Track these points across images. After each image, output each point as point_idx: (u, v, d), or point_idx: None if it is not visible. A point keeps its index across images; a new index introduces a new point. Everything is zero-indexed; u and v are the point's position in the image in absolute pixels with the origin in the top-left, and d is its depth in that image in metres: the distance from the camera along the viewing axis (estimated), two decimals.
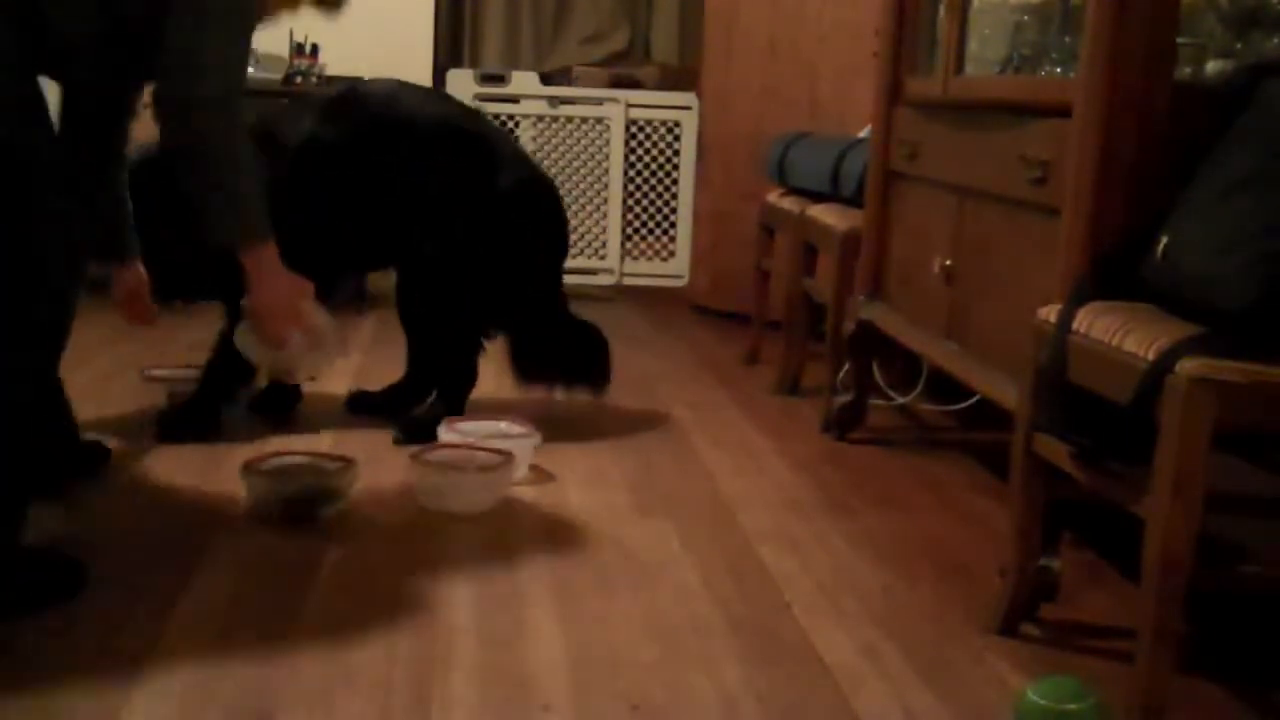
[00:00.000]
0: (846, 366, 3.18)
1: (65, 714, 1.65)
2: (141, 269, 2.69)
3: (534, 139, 5.04)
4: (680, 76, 5.33)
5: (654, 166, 5.13)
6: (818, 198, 3.54)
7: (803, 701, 1.79)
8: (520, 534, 2.41)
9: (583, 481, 2.73)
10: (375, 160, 2.87)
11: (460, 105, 3.10)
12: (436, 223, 2.89)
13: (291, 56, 4.85)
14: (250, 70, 5.16)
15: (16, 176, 1.93)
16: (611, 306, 4.91)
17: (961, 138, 2.55)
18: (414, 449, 2.59)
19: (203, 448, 2.78)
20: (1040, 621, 2.07)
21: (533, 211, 3.01)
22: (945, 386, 3.29)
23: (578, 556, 2.30)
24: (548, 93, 5.07)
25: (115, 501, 2.45)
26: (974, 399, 3.16)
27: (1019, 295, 2.22)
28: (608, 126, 5.07)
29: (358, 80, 3.10)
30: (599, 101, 5.08)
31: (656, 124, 5.11)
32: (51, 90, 2.12)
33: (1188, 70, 2.13)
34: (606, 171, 5.10)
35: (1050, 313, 1.94)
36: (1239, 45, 2.18)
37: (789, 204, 3.67)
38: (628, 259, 5.17)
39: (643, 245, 5.20)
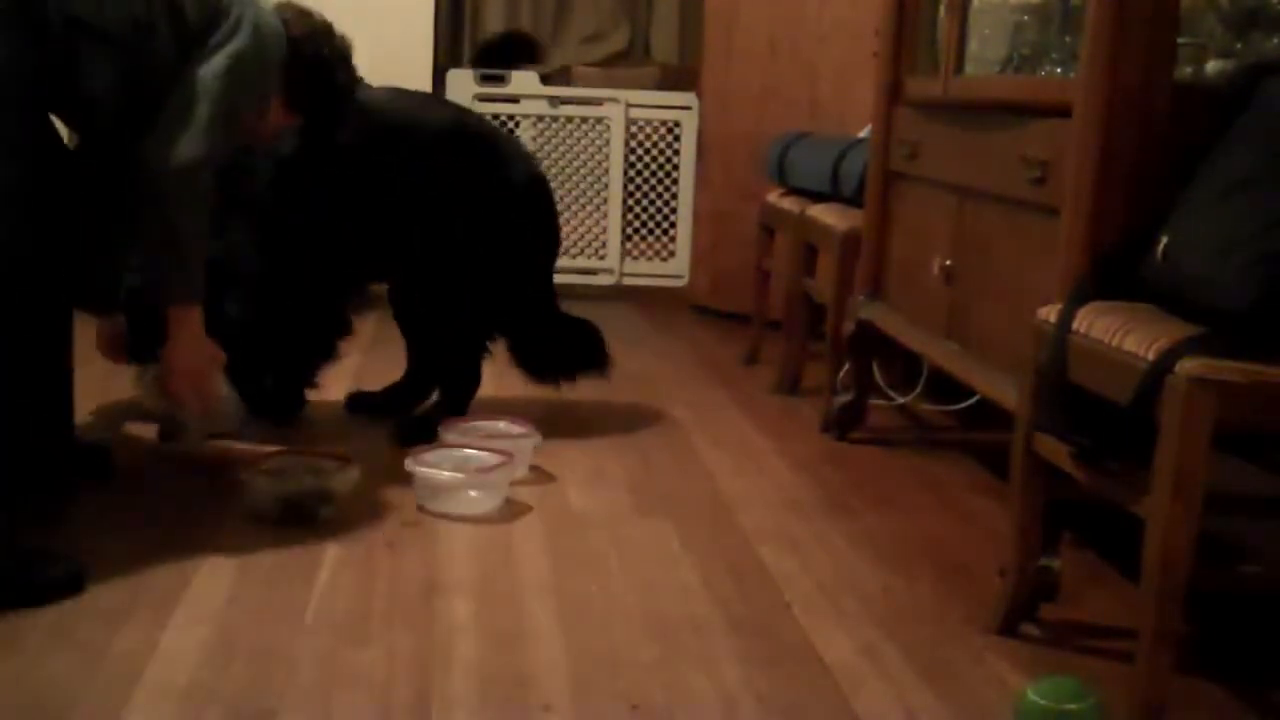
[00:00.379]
0: (846, 366, 3.18)
1: (65, 714, 1.65)
2: (122, 320, 2.77)
3: (534, 139, 5.03)
4: (680, 76, 5.32)
5: (654, 166, 5.13)
6: (818, 198, 3.54)
7: (803, 701, 1.79)
8: (520, 534, 2.41)
9: (583, 481, 2.73)
10: (379, 167, 2.87)
11: (458, 107, 3.10)
12: (441, 225, 2.89)
13: None
14: None
15: None
16: (611, 306, 4.90)
17: (961, 138, 2.55)
18: (414, 449, 2.59)
19: (202, 447, 2.77)
20: (1040, 621, 2.07)
21: (535, 209, 3.02)
22: (945, 386, 3.29)
23: (578, 556, 2.30)
24: (548, 93, 5.07)
25: (115, 501, 2.45)
26: (974, 399, 3.16)
27: (1019, 295, 2.22)
28: (608, 126, 5.07)
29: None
30: (599, 101, 5.08)
31: (656, 124, 5.11)
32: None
33: (1188, 70, 2.13)
34: (606, 171, 5.10)
35: (1050, 313, 1.94)
36: (1239, 45, 2.18)
37: (789, 204, 3.67)
38: (628, 259, 5.17)
39: (643, 245, 5.20)
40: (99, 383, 3.13)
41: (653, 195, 5.15)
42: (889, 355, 3.30)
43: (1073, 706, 1.66)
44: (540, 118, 5.05)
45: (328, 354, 3.09)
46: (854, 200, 3.23)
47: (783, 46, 4.50)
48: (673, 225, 5.16)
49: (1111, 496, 1.78)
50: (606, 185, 5.11)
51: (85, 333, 3.02)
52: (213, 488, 2.53)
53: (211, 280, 2.46)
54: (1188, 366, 1.60)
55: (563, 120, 5.06)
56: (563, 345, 3.17)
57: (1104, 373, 1.77)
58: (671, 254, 5.16)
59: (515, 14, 5.54)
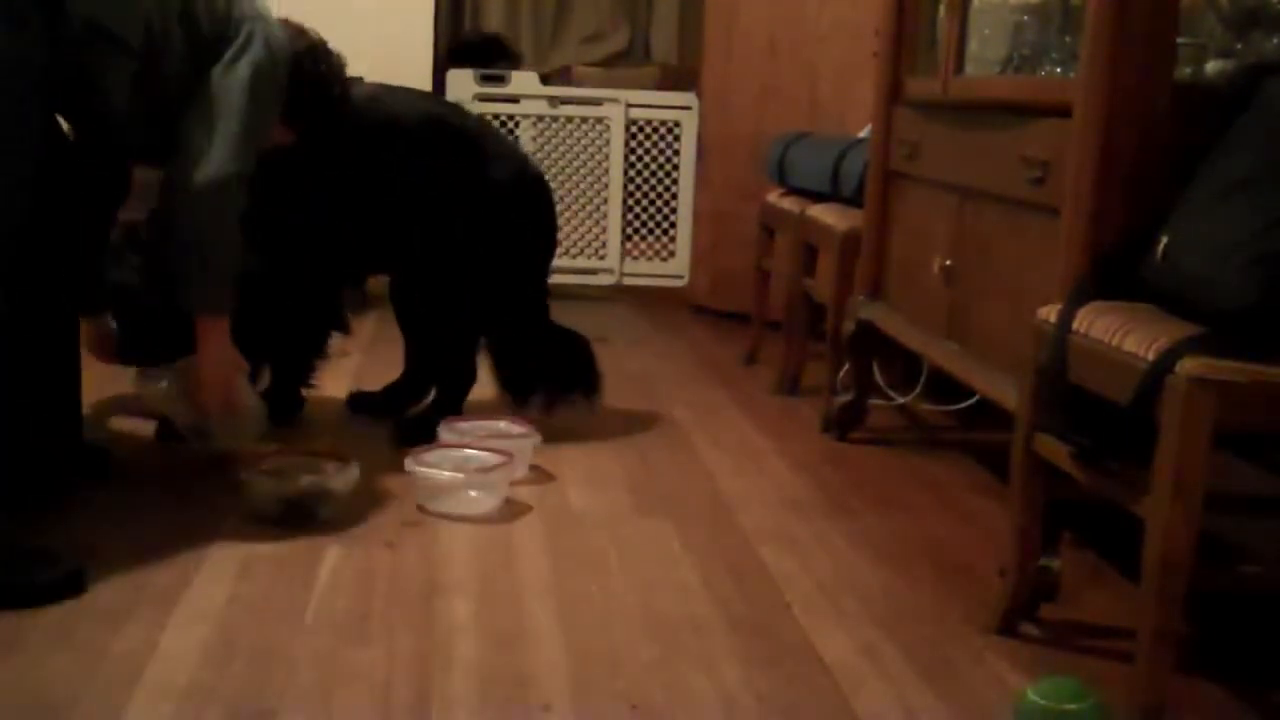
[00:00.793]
0: (846, 366, 3.18)
1: (65, 714, 1.65)
2: (110, 321, 2.75)
3: (534, 139, 5.03)
4: (680, 76, 5.32)
5: (654, 166, 5.13)
6: (818, 198, 3.54)
7: (803, 701, 1.79)
8: (520, 534, 2.41)
9: (583, 481, 2.73)
10: (368, 164, 2.86)
11: (445, 102, 3.08)
12: (434, 221, 2.89)
13: None
14: None
15: None
16: (611, 306, 4.91)
17: (961, 138, 2.55)
18: (413, 449, 2.59)
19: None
20: (1040, 621, 2.07)
21: (522, 208, 2.99)
22: (945, 386, 3.29)
23: (578, 556, 2.30)
24: (548, 93, 5.07)
25: (115, 501, 2.45)
26: (974, 399, 3.16)
27: (1019, 295, 2.22)
28: (608, 126, 5.07)
29: None
30: (599, 101, 5.08)
31: (656, 124, 5.11)
32: None
33: (1188, 70, 2.13)
34: (606, 171, 5.10)
35: (1050, 313, 1.94)
36: (1239, 45, 2.18)
37: (789, 204, 3.67)
38: (628, 259, 5.17)
39: (643, 245, 5.20)
40: (99, 383, 3.13)
41: (653, 195, 5.15)
42: (889, 355, 3.30)
43: (1073, 706, 1.66)
44: (540, 118, 5.05)
45: (321, 351, 3.09)
46: (854, 200, 3.23)
47: (783, 46, 4.50)
48: (673, 225, 5.16)
49: (1111, 496, 1.78)
50: (606, 185, 5.11)
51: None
52: (213, 488, 2.53)
53: None
54: (1188, 366, 1.60)
55: (563, 120, 5.06)
56: (547, 361, 3.07)
57: (1104, 373, 1.77)
58: (671, 254, 5.16)
59: (515, 14, 5.54)
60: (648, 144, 5.12)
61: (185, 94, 2.32)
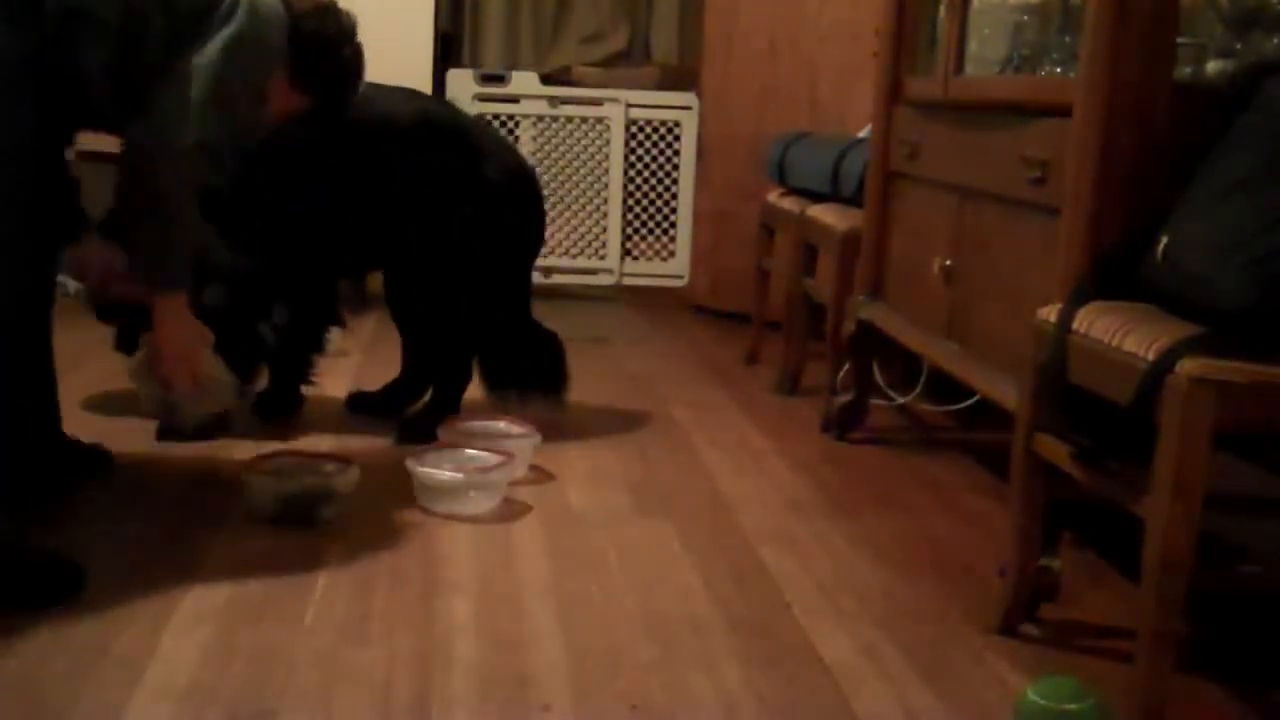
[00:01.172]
0: (846, 366, 3.18)
1: (65, 714, 1.65)
2: (100, 244, 2.59)
3: (534, 139, 5.04)
4: (680, 76, 5.32)
5: (654, 166, 5.13)
6: (818, 198, 3.54)
7: (803, 701, 1.79)
8: (520, 534, 2.41)
9: (583, 481, 2.73)
10: (360, 163, 2.86)
11: (436, 99, 3.07)
12: (429, 218, 2.89)
13: None
14: None
15: None
16: (611, 306, 4.91)
17: (961, 138, 2.55)
18: (413, 449, 2.59)
19: (203, 448, 2.78)
20: (1040, 621, 2.07)
21: (510, 206, 2.98)
22: (945, 386, 3.29)
23: (578, 556, 2.30)
24: (548, 93, 5.07)
25: (115, 502, 2.45)
26: (974, 399, 3.16)
27: (1019, 295, 2.22)
28: (608, 126, 5.07)
29: None
30: (599, 101, 5.08)
31: (656, 124, 5.11)
32: None
33: (1188, 70, 2.13)
34: (606, 171, 5.10)
35: (1050, 313, 1.94)
36: (1239, 45, 2.18)
37: (789, 204, 3.67)
38: (628, 259, 5.17)
39: (643, 245, 5.20)
40: (99, 383, 3.14)
41: (653, 195, 5.15)
42: (889, 355, 3.30)
43: (1073, 706, 1.66)
44: (540, 118, 5.05)
45: (320, 347, 3.09)
46: (854, 200, 3.23)
47: (783, 46, 4.50)
48: (673, 225, 5.16)
49: (1111, 496, 1.78)
50: (606, 185, 5.11)
51: (86, 334, 3.03)
52: (212, 487, 2.53)
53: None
54: (1188, 366, 1.60)
55: (563, 120, 5.06)
56: (521, 357, 3.09)
57: (1104, 373, 1.77)
58: (671, 254, 5.17)
59: (515, 14, 5.54)
60: (648, 144, 5.12)
61: (165, 71, 2.28)
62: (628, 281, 5.16)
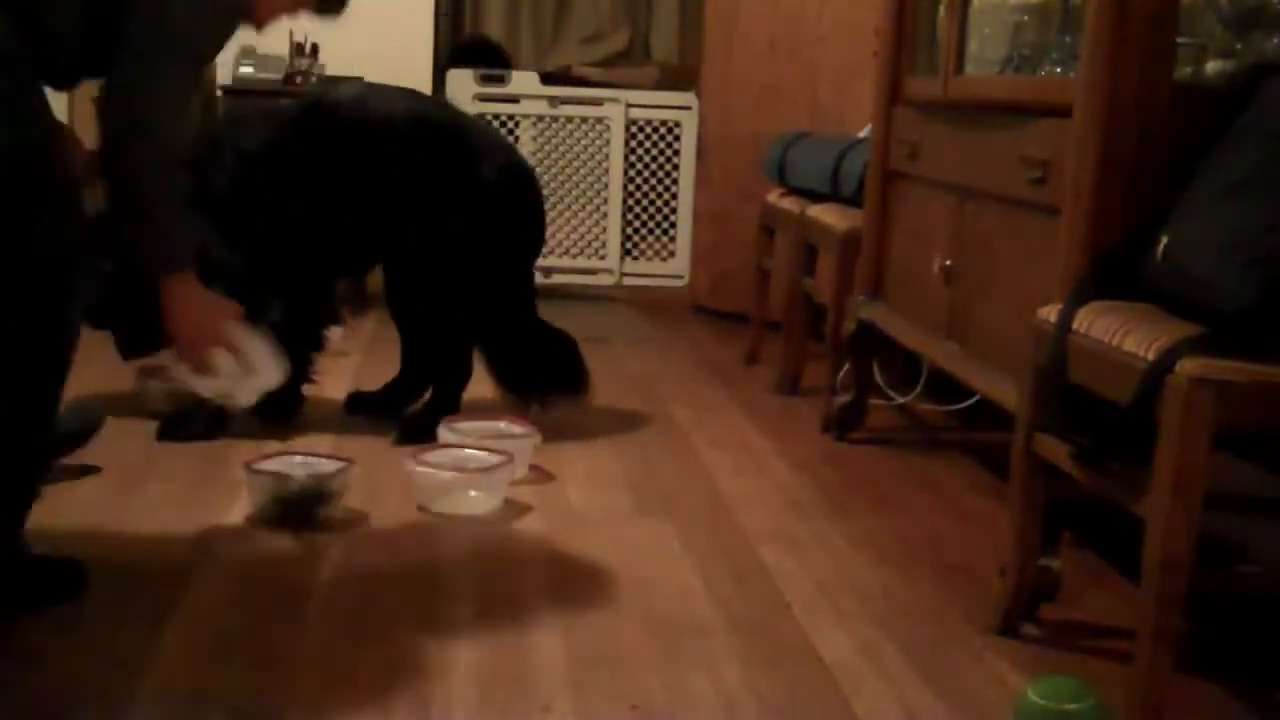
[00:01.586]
0: (846, 366, 3.18)
1: (66, 714, 1.65)
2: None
3: (534, 139, 5.04)
4: (680, 76, 5.32)
5: (654, 166, 5.13)
6: (818, 198, 3.54)
7: (803, 702, 1.79)
8: (520, 534, 2.41)
9: (583, 481, 2.73)
10: (359, 163, 2.87)
11: (431, 99, 3.08)
12: (427, 217, 2.89)
13: (291, 56, 4.85)
14: (250, 70, 5.14)
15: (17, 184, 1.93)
16: (611, 306, 4.91)
17: (961, 138, 2.55)
18: (413, 449, 2.59)
19: (203, 448, 2.78)
20: (1040, 621, 2.07)
21: (507, 205, 2.98)
22: (945, 386, 3.29)
23: (578, 556, 2.30)
24: (548, 93, 5.07)
25: (115, 501, 2.45)
26: (974, 399, 3.16)
27: (1019, 295, 2.22)
28: (608, 126, 5.07)
29: (321, 90, 3.09)
30: (599, 101, 5.08)
31: (656, 124, 5.11)
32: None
33: (1188, 70, 2.13)
34: (606, 171, 5.10)
35: (1050, 313, 1.94)
36: (1239, 45, 2.18)
37: (789, 204, 3.67)
38: (628, 259, 5.17)
39: (643, 245, 5.20)
40: (98, 383, 3.13)
41: (653, 195, 5.15)
42: (889, 355, 3.30)
43: (1073, 706, 1.66)
44: (540, 118, 5.05)
45: (319, 345, 3.09)
46: (854, 200, 3.23)
47: (783, 46, 4.50)
48: (673, 225, 5.16)
49: (1111, 496, 1.78)
50: (606, 185, 5.11)
51: (85, 334, 3.03)
52: (212, 487, 2.53)
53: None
54: (1188, 366, 1.60)
55: (563, 120, 5.06)
56: (534, 359, 3.08)
57: (1104, 373, 1.77)
58: (671, 254, 5.16)
59: (515, 14, 5.54)
60: (648, 144, 5.12)
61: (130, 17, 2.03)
62: (628, 281, 5.16)
